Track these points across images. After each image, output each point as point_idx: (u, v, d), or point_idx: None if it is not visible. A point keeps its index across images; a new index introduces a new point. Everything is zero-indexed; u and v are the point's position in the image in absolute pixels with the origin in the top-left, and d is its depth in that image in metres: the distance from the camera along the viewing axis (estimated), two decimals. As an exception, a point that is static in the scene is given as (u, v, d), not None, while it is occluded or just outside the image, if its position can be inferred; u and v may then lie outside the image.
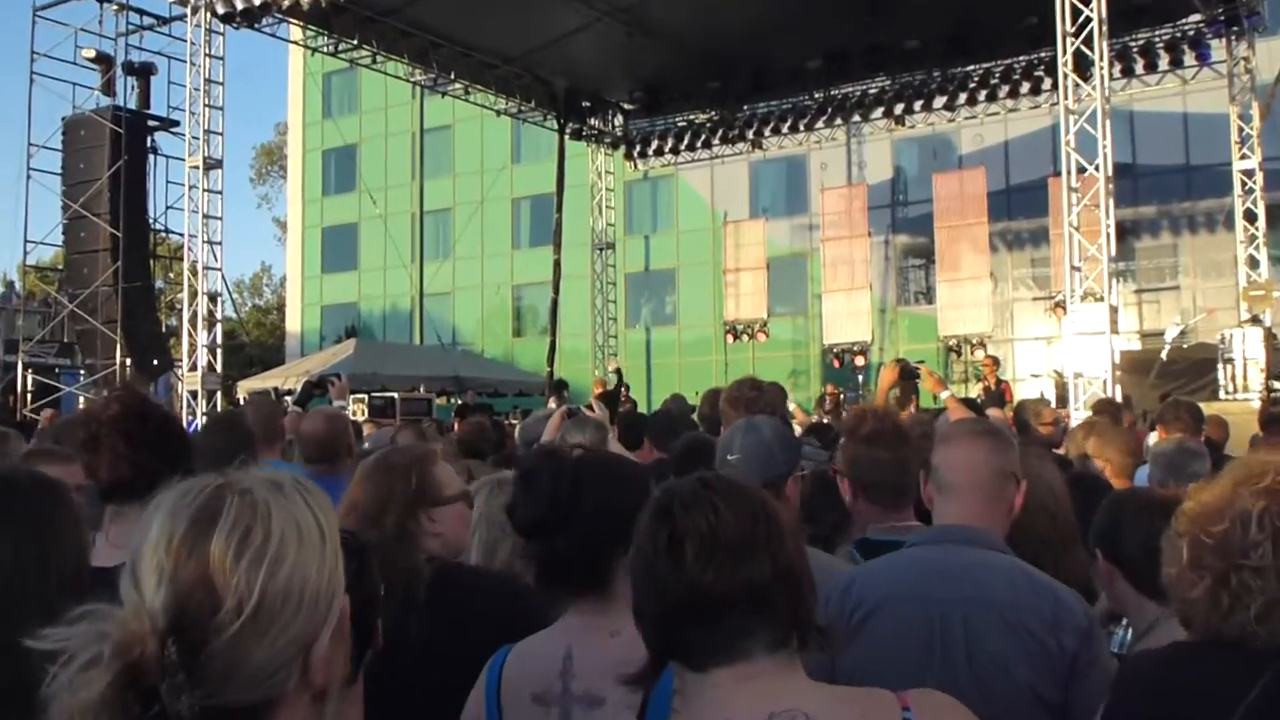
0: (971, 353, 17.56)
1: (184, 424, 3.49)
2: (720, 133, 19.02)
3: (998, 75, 16.05)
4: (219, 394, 15.41)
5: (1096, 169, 10.74)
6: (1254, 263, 13.62)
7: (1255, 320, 12.17)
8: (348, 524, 1.79)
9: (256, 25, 14.30)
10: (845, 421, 2.63)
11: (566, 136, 19.22)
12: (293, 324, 32.32)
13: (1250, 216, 13.59)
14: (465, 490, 2.02)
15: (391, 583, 1.73)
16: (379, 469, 1.93)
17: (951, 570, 1.81)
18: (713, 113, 19.04)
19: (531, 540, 1.56)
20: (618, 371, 16.90)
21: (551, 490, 1.54)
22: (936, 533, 1.92)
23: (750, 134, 18.77)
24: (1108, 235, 10.69)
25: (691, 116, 19.35)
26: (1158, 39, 14.13)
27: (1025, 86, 15.84)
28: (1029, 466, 2.02)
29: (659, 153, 19.98)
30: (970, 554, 1.84)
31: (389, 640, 1.07)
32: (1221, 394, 10.72)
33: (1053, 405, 6.02)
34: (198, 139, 14.42)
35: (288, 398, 14.20)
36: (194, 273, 14.99)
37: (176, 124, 16.79)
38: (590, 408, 4.25)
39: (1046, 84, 15.23)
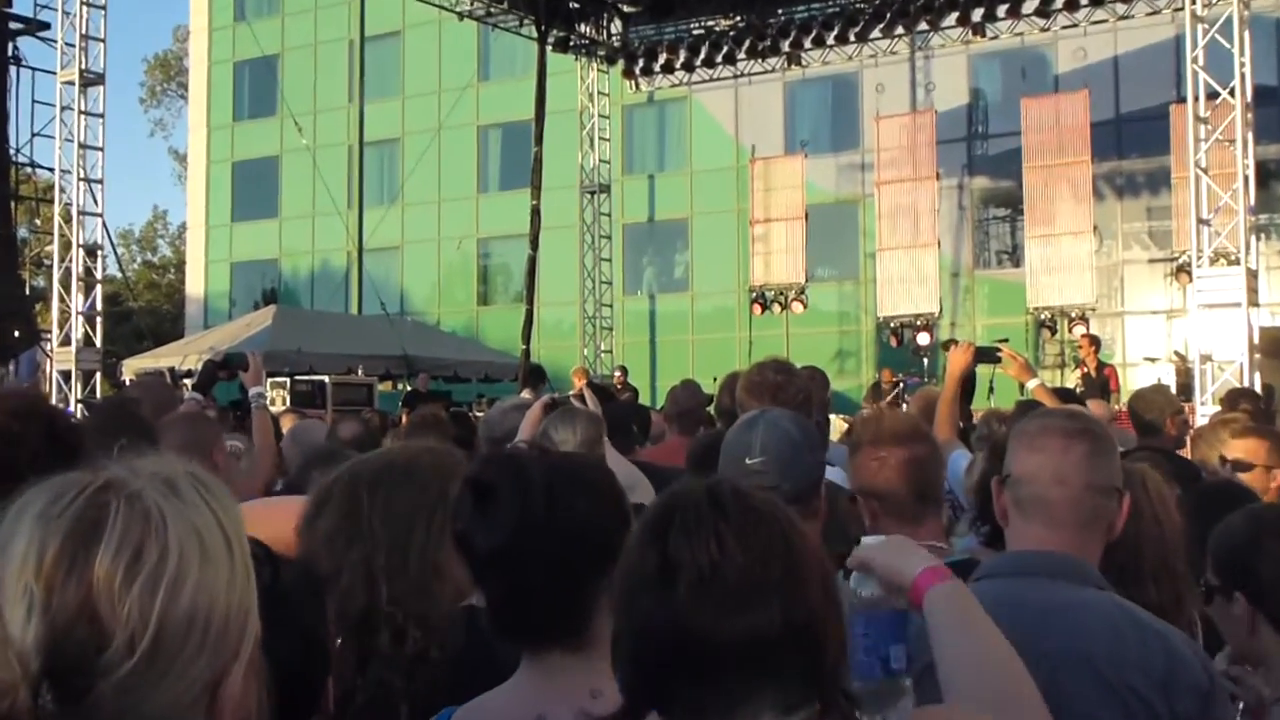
0: (1069, 330, 17.58)
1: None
2: (747, 44, 18.71)
3: (1106, -29, 16.21)
4: (99, 375, 15.42)
5: (1231, 94, 10.67)
6: None
7: None
8: (348, 561, 1.77)
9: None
10: (853, 427, 2.67)
11: (549, 47, 18.94)
12: (194, 286, 32.37)
13: None
14: None
15: (416, 647, 1.73)
16: (403, 476, 1.89)
17: (1033, 612, 1.77)
18: (737, 18, 18.74)
19: (489, 572, 1.53)
20: (623, 377, 16.81)
21: (519, 506, 1.51)
22: (1011, 561, 1.89)
23: (785, 45, 18.52)
24: (1245, 180, 10.67)
25: (710, 22, 19.07)
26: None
27: (1141, -14, 15.87)
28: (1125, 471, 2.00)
29: (668, 69, 19.73)
30: (1058, 590, 1.81)
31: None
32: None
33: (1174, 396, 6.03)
34: (73, 46, 14.32)
35: (186, 381, 14.29)
36: (66, 220, 14.93)
37: (46, 26, 16.65)
38: (580, 398, 4.37)
39: (1168, -17, 15.21)
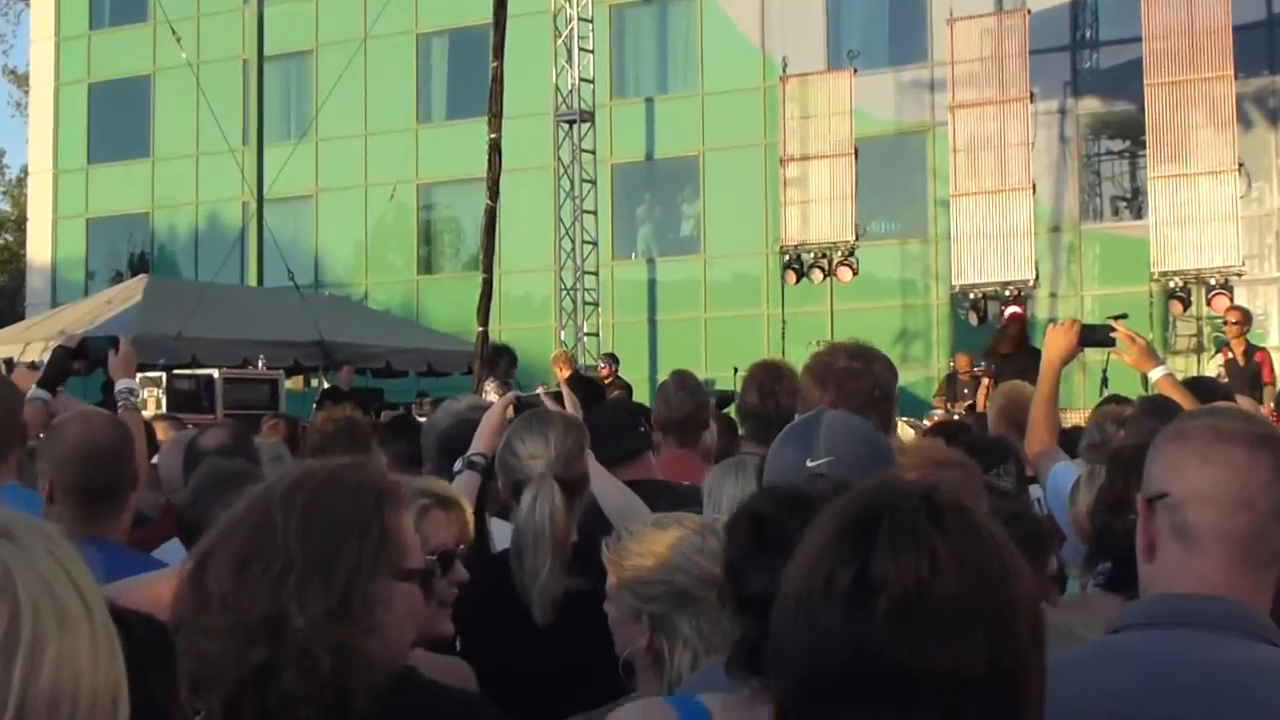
0: (1207, 302, 17.60)
1: None
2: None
3: None
4: (-87, 370, 15.51)
5: None
6: None
7: None
8: (239, 594, 1.90)
9: None
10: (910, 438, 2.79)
11: (510, -74, 19.52)
12: (38, 250, 32.52)
13: None
14: (429, 563, 2.15)
15: (333, 691, 1.86)
16: (327, 484, 2.01)
17: (1202, 676, 1.79)
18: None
19: (748, 613, 1.86)
20: (610, 369, 17.03)
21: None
22: (1169, 608, 1.89)
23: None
24: None
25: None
26: None
27: None
28: None
29: (670, -45, 20.54)
30: (1228, 647, 1.83)
31: None
32: None
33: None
34: None
35: (29, 371, 14.35)
36: None
37: None
38: (556, 396, 4.50)
39: None
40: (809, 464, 2.34)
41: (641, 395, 19.70)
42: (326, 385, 19.65)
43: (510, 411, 4.04)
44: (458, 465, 3.92)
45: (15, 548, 0.98)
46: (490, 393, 14.46)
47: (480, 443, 3.95)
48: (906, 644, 1.27)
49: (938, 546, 1.30)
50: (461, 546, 2.93)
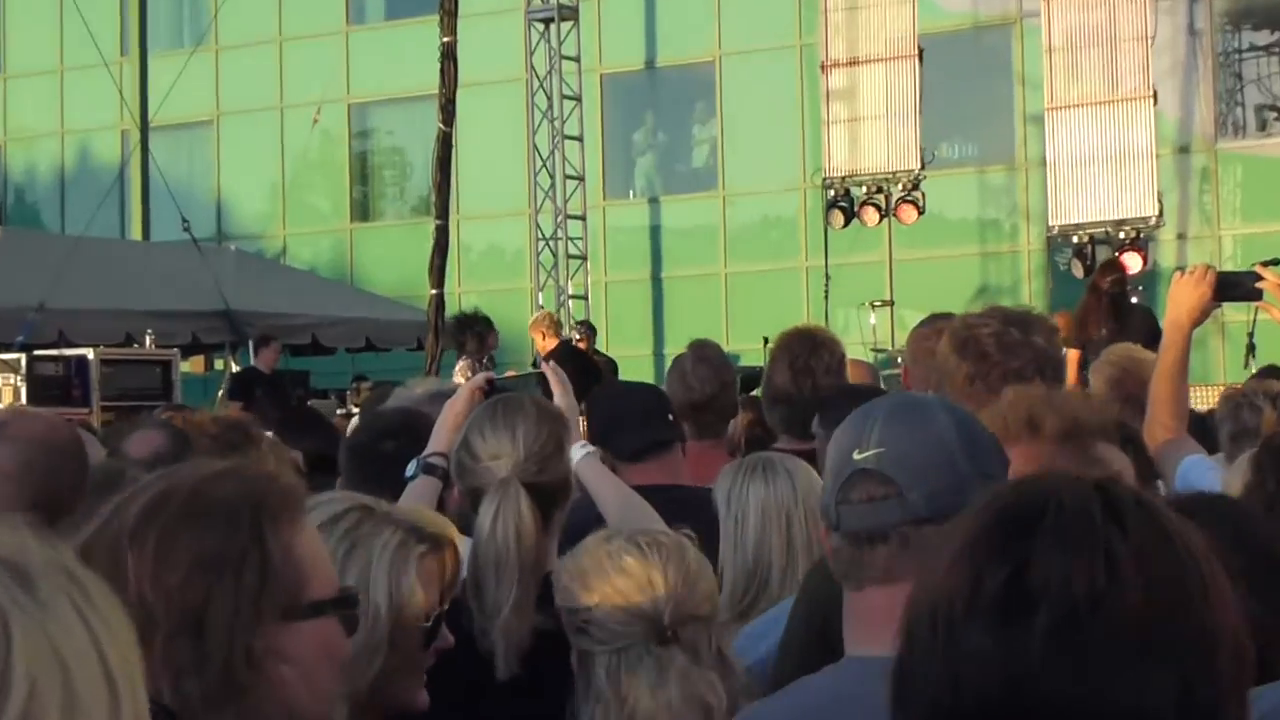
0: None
1: None
2: None
3: None
4: None
5: None
6: None
7: None
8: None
9: None
10: (1002, 410, 2.94)
11: None
12: None
13: None
14: (347, 591, 2.18)
15: None
16: (187, 511, 2.01)
17: None
18: None
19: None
20: (587, 338, 17.29)
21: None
22: None
23: None
24: None
25: None
26: None
27: None
28: None
29: None
30: None
31: None
32: None
33: None
34: None
35: None
36: None
37: None
38: (539, 379, 4.54)
39: None
40: (855, 456, 2.35)
41: (640, 372, 19.72)
42: (236, 368, 19.66)
43: (479, 398, 4.09)
44: (411, 469, 4.00)
45: (26, 597, 0.99)
46: (460, 376, 14.47)
47: (439, 440, 4.01)
48: (1072, 672, 1.28)
49: (1117, 549, 1.32)
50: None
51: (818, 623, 3.15)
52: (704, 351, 5.62)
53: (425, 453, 4.01)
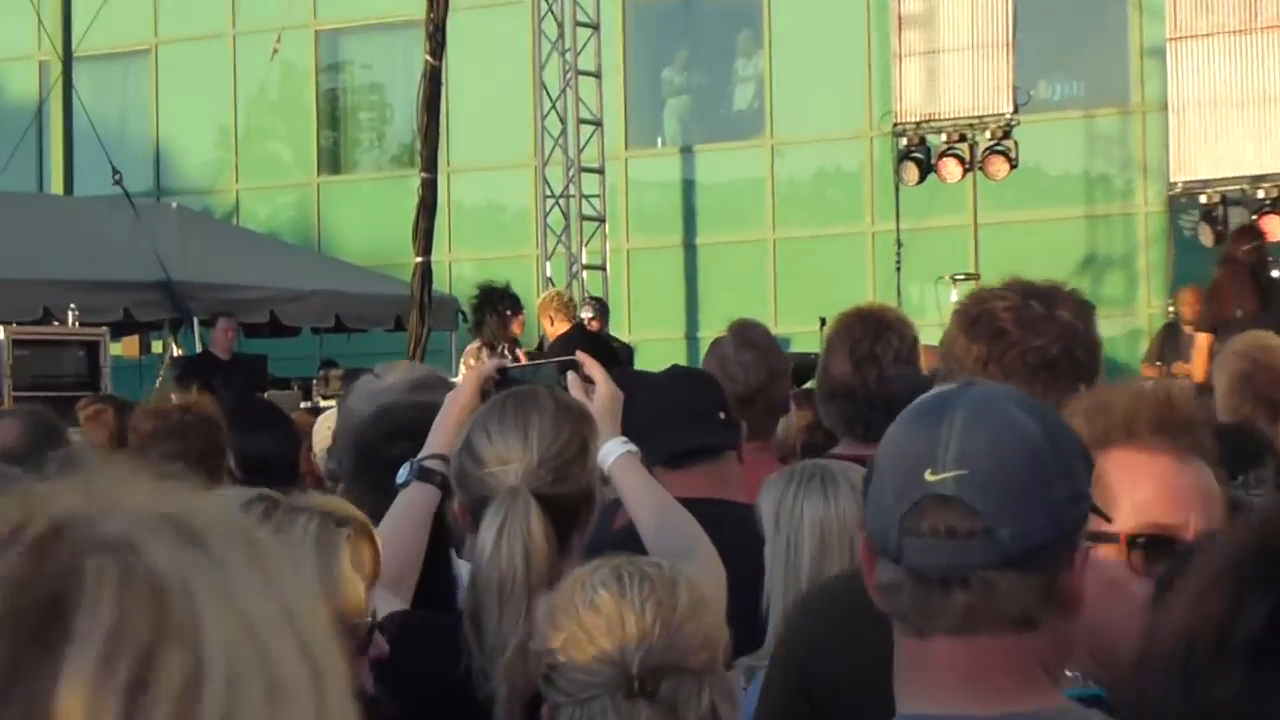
0: None
1: None
2: None
3: None
4: None
5: None
6: None
7: None
8: None
9: None
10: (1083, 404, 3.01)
11: None
12: None
13: None
14: (368, 617, 2.39)
15: None
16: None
17: None
18: None
19: None
20: (599, 321, 17.50)
21: None
22: None
23: None
24: None
25: None
26: None
27: None
28: None
29: None
30: None
31: None
32: None
33: None
34: None
35: None
36: None
37: None
38: (562, 369, 4.55)
39: None
40: (928, 477, 2.33)
41: (669, 356, 19.61)
42: (178, 352, 19.63)
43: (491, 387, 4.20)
44: (402, 474, 4.06)
45: (205, 560, 1.03)
46: (470, 367, 14.51)
47: (438, 440, 4.06)
48: None
49: None
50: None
51: (798, 676, 3.31)
52: (749, 334, 5.71)
53: (421, 454, 4.04)
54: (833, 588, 3.62)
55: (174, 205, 25.01)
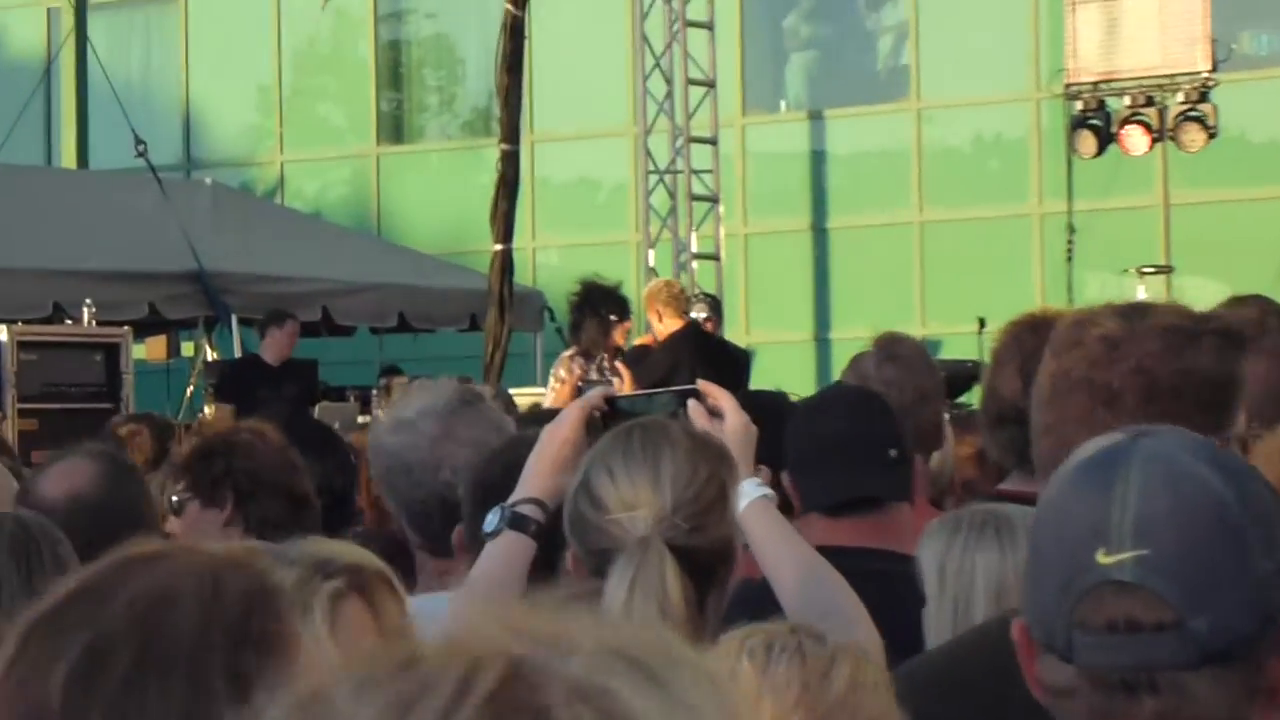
0: None
1: None
2: None
3: None
4: None
5: None
6: None
7: None
8: None
9: None
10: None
11: None
12: None
13: None
14: None
15: None
16: (135, 647, 2.04)
17: None
18: None
19: None
20: (712, 315, 17.42)
21: None
22: None
23: None
24: None
25: None
26: None
27: None
28: None
29: None
30: None
31: None
32: None
33: None
34: None
35: None
36: None
37: None
38: (679, 400, 4.50)
39: None
40: (1101, 559, 2.26)
41: (795, 378, 19.65)
42: (214, 356, 19.65)
43: (591, 419, 4.19)
44: (490, 522, 4.08)
45: (670, 700, 1.10)
46: (561, 380, 14.44)
47: (534, 481, 4.08)
48: None
49: None
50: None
51: None
52: (895, 348, 5.74)
53: (513, 499, 4.05)
54: (962, 657, 3.55)
55: (207, 181, 25.03)
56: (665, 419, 3.90)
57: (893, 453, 4.92)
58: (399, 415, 5.06)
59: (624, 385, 13.20)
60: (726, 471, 3.59)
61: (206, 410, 19.10)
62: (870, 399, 5.53)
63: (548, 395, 15.29)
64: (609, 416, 4.14)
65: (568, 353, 14.70)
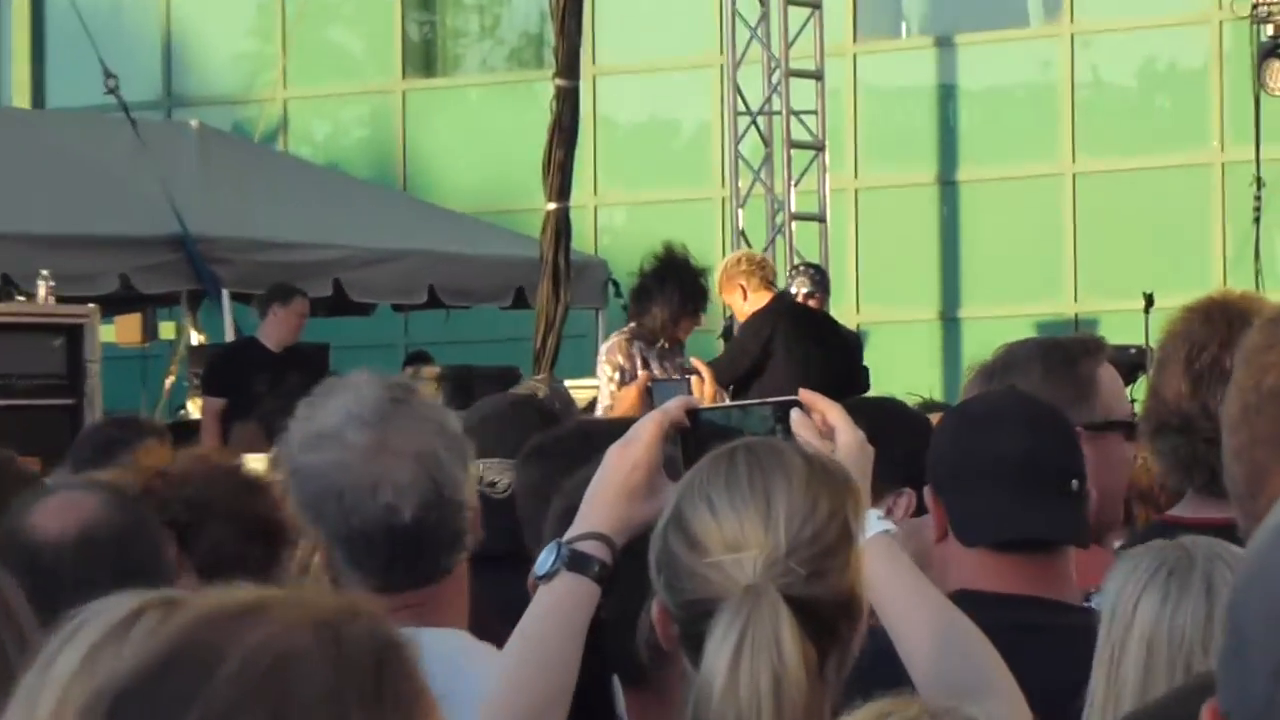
0: None
1: None
2: None
3: None
4: None
5: None
6: None
7: None
8: None
9: None
10: None
11: None
12: None
13: None
14: None
15: None
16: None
17: None
18: None
19: None
20: (818, 291, 17.40)
21: None
22: None
23: None
24: None
25: None
26: None
27: None
28: None
29: None
30: None
31: None
32: None
33: None
34: None
35: None
36: None
37: None
38: (780, 414, 4.46)
39: None
40: None
41: (917, 367, 19.73)
42: (198, 340, 19.73)
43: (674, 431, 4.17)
44: (546, 561, 4.06)
45: None
46: (620, 369, 14.38)
47: (598, 513, 4.06)
48: None
49: None
50: None
51: None
52: (1069, 344, 5.92)
53: (571, 534, 4.02)
54: None
55: (193, 123, 24.94)
56: (769, 440, 3.83)
57: (1074, 483, 4.86)
58: (316, 427, 4.91)
59: (705, 385, 13.17)
60: (852, 505, 3.52)
61: (190, 407, 19.17)
62: (1050, 415, 5.43)
63: (602, 387, 15.54)
64: (689, 434, 4.09)
65: (621, 335, 14.69)
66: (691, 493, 3.53)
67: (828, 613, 3.38)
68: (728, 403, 4.94)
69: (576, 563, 3.94)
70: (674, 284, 14.72)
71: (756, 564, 3.35)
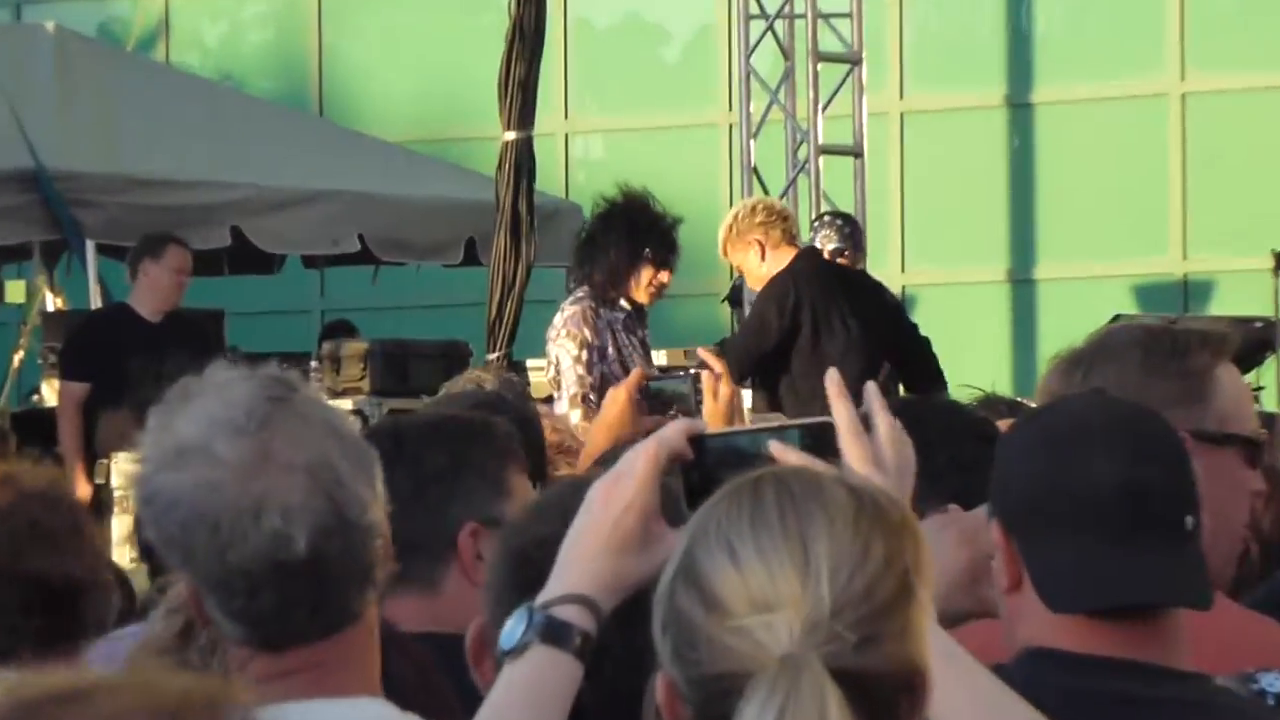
0: None
1: None
2: None
3: None
4: None
5: None
6: None
7: None
8: None
9: None
10: None
11: None
12: None
13: None
14: None
15: None
16: None
17: None
18: None
19: None
20: (847, 236, 17.54)
21: None
22: None
23: None
24: None
25: None
26: None
27: None
28: None
29: None
30: None
31: None
32: None
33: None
34: None
35: None
36: None
37: None
38: (817, 433, 4.70)
39: None
40: None
41: (980, 342, 19.61)
42: (55, 304, 19.73)
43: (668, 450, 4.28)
44: (511, 633, 4.16)
45: None
46: (575, 359, 14.36)
47: (579, 568, 4.16)
48: None
49: None
50: None
51: None
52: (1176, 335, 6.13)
53: (545, 595, 4.10)
54: None
55: (48, 25, 24.96)
56: (808, 470, 3.71)
57: (1189, 521, 4.87)
58: (175, 440, 4.85)
59: (719, 383, 13.24)
60: (912, 550, 3.43)
61: (45, 389, 19.27)
62: (1157, 428, 5.44)
63: (564, 373, 15.78)
64: (693, 467, 4.17)
65: (581, 298, 14.54)
66: (707, 537, 3.48)
67: (884, 689, 3.36)
68: (741, 427, 4.95)
69: (552, 633, 4.06)
70: (622, 224, 14.64)
71: (793, 628, 3.30)
